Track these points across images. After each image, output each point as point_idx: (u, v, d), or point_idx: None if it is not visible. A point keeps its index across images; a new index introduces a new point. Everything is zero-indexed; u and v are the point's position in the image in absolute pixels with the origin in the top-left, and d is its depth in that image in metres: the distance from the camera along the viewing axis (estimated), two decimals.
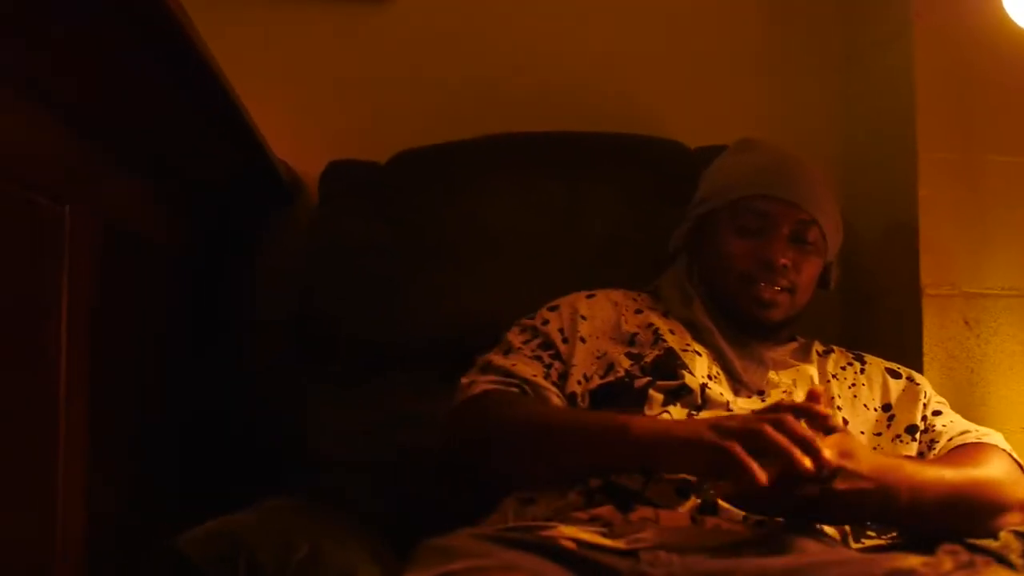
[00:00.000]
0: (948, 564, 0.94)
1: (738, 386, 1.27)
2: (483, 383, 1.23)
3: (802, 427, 1.02)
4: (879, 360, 1.38)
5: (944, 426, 1.29)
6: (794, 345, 1.39)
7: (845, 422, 1.27)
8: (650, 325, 1.31)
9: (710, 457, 1.03)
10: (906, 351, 1.52)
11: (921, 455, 1.27)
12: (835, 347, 1.40)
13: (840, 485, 1.05)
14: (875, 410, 1.31)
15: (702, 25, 1.82)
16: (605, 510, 1.08)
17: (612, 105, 1.76)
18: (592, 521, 1.07)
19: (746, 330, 1.33)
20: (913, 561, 0.94)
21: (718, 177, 1.39)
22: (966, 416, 1.35)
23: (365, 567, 1.07)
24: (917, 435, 1.29)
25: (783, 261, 1.30)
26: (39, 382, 1.00)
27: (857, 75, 1.79)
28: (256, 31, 1.72)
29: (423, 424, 1.40)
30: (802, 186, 1.33)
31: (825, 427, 1.07)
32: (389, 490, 1.39)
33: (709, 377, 1.25)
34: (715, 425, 1.05)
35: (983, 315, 1.55)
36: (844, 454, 1.06)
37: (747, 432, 1.02)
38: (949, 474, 1.15)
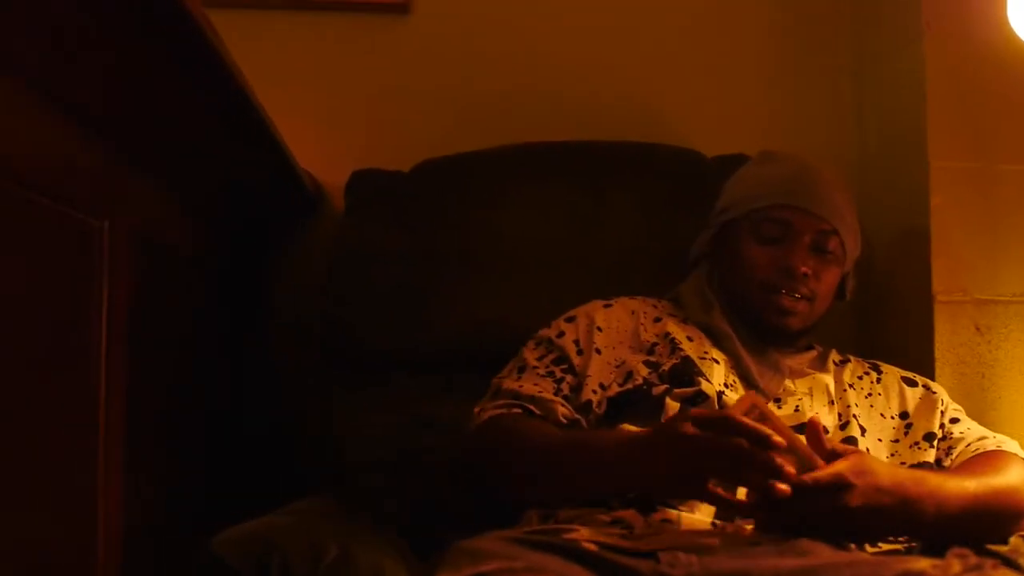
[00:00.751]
0: (957, 567, 0.97)
1: (755, 392, 1.29)
2: (490, 410, 1.26)
3: (767, 458, 1.03)
4: (895, 369, 1.40)
5: (962, 433, 1.31)
6: (812, 354, 1.41)
7: (863, 430, 1.29)
8: (667, 335, 1.32)
9: (688, 496, 1.11)
10: (918, 357, 1.54)
11: (939, 461, 1.29)
12: (852, 357, 1.41)
13: (855, 501, 1.07)
14: (892, 418, 1.33)
15: (717, 35, 1.84)
16: (628, 513, 1.11)
17: (629, 114, 1.78)
18: (614, 523, 1.10)
19: (764, 337, 1.35)
20: (923, 564, 0.97)
21: (740, 187, 1.41)
22: (977, 422, 1.36)
23: (393, 569, 1.09)
24: (935, 442, 1.31)
25: (804, 269, 1.32)
26: (81, 386, 1.04)
27: (869, 84, 1.80)
28: (279, 43, 1.75)
29: (440, 429, 1.43)
30: (823, 196, 1.35)
31: (819, 450, 1.09)
32: (401, 491, 1.41)
33: (726, 385, 1.27)
34: (686, 475, 1.07)
35: (994, 321, 1.56)
36: (858, 473, 1.08)
37: (719, 472, 1.06)
38: (971, 484, 1.17)
